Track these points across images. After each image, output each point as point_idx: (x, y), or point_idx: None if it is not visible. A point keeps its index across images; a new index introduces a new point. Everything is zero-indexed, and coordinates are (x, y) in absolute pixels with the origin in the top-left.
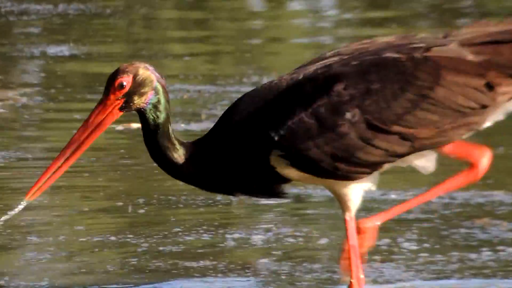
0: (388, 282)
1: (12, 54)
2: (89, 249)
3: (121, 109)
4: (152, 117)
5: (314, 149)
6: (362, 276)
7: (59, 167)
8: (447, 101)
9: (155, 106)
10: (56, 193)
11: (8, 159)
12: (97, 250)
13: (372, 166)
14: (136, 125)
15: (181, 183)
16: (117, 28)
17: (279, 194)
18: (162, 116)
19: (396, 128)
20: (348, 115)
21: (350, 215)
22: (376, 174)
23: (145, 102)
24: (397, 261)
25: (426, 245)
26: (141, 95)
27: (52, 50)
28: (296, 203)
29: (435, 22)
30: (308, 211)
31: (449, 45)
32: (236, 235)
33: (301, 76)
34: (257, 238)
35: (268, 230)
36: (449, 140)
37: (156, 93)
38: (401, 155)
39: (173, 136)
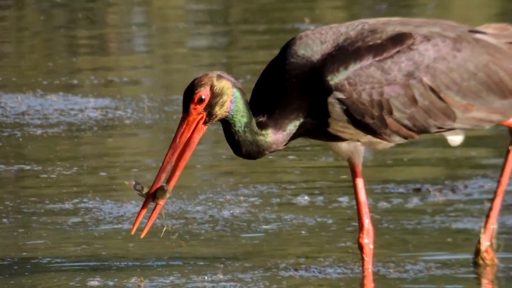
0: None
1: None
2: None
3: (205, 123)
4: (239, 123)
5: (374, 97)
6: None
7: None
8: (496, 79)
9: (237, 111)
10: None
11: None
12: None
13: (414, 131)
14: None
15: None
16: None
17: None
18: (246, 118)
19: (449, 98)
20: (410, 73)
21: (360, 164)
22: (402, 140)
23: (227, 111)
24: None
25: None
26: (222, 104)
27: None
28: None
29: None
30: None
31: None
32: None
33: (361, 26)
34: None
35: None
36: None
37: (235, 98)
38: (445, 127)
39: (255, 127)
